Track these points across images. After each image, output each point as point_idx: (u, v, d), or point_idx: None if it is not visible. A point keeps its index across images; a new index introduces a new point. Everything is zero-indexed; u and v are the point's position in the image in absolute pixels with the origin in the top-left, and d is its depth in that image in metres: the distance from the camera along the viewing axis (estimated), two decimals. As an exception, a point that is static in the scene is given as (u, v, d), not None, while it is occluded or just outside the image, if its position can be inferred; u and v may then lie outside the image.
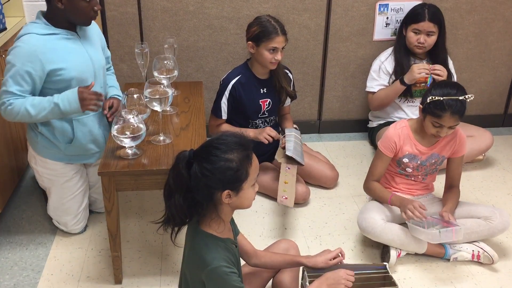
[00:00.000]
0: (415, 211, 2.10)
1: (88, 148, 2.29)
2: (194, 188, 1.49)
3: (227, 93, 2.61)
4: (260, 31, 2.48)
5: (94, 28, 2.30)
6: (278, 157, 2.50)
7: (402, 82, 2.81)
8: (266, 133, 2.55)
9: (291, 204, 2.40)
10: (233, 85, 2.59)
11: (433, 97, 2.08)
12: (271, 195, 2.71)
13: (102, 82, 2.30)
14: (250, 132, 2.59)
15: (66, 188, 2.32)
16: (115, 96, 2.36)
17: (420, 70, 2.73)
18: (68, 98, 2.04)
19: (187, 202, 1.51)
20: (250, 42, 2.51)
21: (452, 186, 2.35)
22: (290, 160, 2.43)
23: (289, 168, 2.41)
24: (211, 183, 1.48)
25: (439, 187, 2.48)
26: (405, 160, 2.28)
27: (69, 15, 2.09)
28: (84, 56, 2.17)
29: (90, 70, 2.19)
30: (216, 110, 2.66)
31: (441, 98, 2.07)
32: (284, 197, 2.40)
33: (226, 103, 2.62)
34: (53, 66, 2.06)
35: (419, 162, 2.28)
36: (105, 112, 2.23)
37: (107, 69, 2.49)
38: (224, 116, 2.66)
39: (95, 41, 2.28)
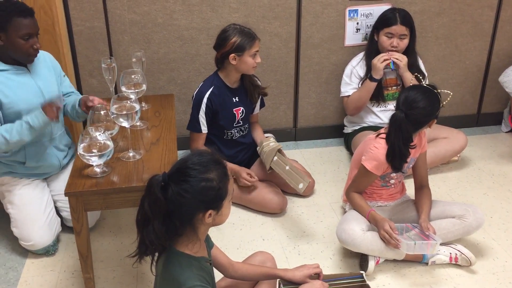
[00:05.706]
0: (387, 236, 2.12)
1: (41, 169, 2.37)
2: (173, 211, 1.45)
3: (203, 106, 2.57)
4: (241, 40, 2.48)
5: (45, 61, 2.35)
6: (267, 163, 2.60)
7: (371, 79, 2.83)
8: (244, 178, 2.61)
9: (307, 180, 2.50)
10: (208, 98, 2.57)
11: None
12: (248, 206, 2.68)
13: None
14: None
15: (23, 194, 2.32)
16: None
17: (380, 59, 2.79)
18: (35, 114, 2.12)
19: (165, 226, 1.46)
20: (232, 55, 2.49)
21: (422, 186, 2.35)
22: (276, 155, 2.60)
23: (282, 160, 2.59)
24: (193, 205, 1.44)
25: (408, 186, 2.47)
26: (393, 174, 2.27)
27: (10, 52, 2.16)
28: (34, 89, 2.25)
29: (41, 102, 2.21)
30: (195, 125, 2.62)
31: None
32: (300, 184, 2.49)
33: (205, 117, 2.60)
34: (4, 100, 2.16)
35: (401, 171, 2.28)
36: (89, 103, 2.20)
37: (69, 94, 2.48)
38: (205, 130, 2.63)
39: (47, 74, 2.33)
